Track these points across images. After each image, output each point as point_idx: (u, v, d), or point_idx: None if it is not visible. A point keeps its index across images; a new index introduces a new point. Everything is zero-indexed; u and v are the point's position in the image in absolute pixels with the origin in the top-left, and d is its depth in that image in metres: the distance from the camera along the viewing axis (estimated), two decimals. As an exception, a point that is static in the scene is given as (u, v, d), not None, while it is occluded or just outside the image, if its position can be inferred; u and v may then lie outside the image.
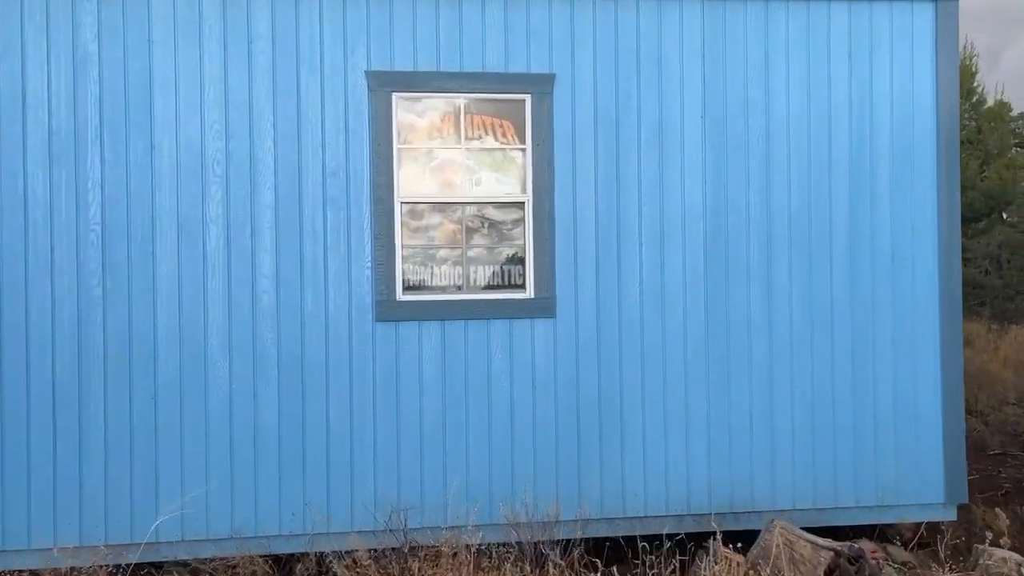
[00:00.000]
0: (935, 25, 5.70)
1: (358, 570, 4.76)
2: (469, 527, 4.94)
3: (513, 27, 5.41)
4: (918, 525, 5.67)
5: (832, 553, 4.74)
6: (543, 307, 5.41)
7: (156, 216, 5.11)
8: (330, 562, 4.95)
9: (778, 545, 4.64)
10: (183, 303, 5.12)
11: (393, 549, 4.97)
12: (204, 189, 5.15)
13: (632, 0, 5.49)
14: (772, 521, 4.98)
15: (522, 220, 5.46)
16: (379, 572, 4.75)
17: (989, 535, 5.31)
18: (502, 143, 5.47)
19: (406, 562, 4.74)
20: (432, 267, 5.45)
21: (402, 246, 5.35)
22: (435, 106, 5.43)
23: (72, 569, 4.75)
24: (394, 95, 5.32)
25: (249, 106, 5.19)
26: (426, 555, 4.78)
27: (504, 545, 4.93)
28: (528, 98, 5.42)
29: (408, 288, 5.38)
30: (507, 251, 5.50)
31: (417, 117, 5.42)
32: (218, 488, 5.12)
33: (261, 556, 5.04)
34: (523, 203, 5.45)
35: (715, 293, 5.56)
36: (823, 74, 5.65)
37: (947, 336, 5.73)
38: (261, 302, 5.19)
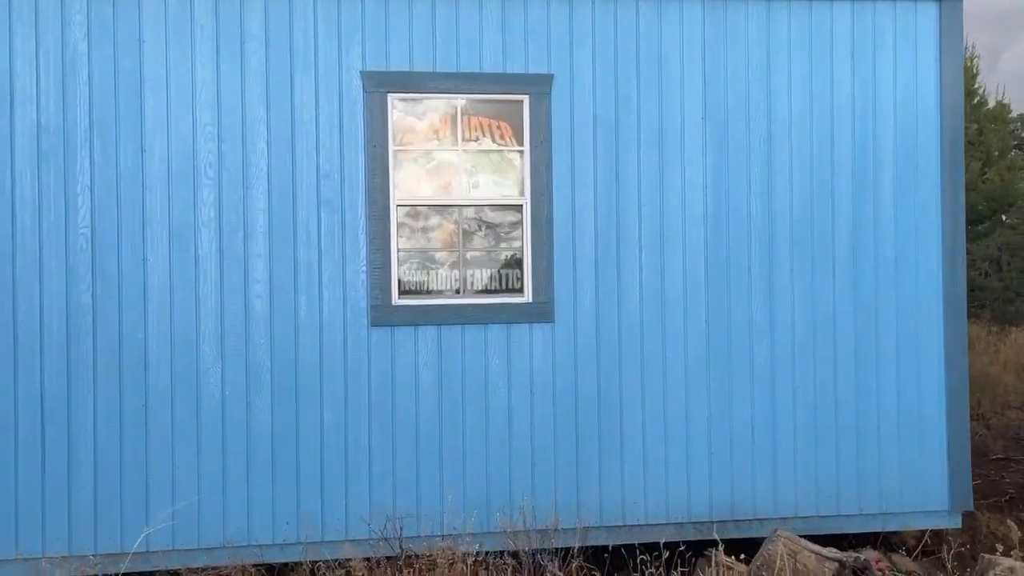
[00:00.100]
0: (939, 24, 5.62)
1: (353, 580, 4.67)
2: (466, 536, 4.85)
3: (511, 27, 5.32)
4: (922, 533, 5.59)
5: (837, 564, 4.64)
6: (541, 312, 5.32)
7: (147, 220, 5.01)
8: (323, 572, 4.86)
9: (782, 556, 4.55)
10: (174, 309, 5.03)
11: (388, 558, 4.88)
12: (196, 192, 5.06)
13: (632, -1, 5.41)
14: (775, 531, 4.89)
15: (520, 223, 5.37)
16: (374, 583, 4.66)
17: (1000, 548, 5.20)
18: (500, 145, 5.38)
19: (401, 572, 4.65)
20: (428, 271, 5.35)
21: (398, 250, 5.26)
22: (432, 107, 5.34)
23: (61, 580, 4.66)
24: (390, 96, 5.23)
25: (242, 107, 5.10)
26: (422, 565, 4.69)
27: (502, 554, 4.84)
28: (526, 99, 5.33)
29: (404, 292, 5.28)
30: (505, 255, 5.41)
31: (413, 118, 5.33)
32: (210, 496, 5.03)
33: (254, 565, 4.95)
34: (521, 206, 5.36)
35: (716, 297, 5.47)
36: (826, 74, 5.56)
37: (951, 340, 5.64)
38: (254, 307, 5.10)
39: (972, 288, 15.40)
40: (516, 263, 5.39)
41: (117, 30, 5.01)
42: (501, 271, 5.40)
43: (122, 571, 4.57)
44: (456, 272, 5.37)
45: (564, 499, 5.28)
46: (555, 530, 5.00)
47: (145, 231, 5.01)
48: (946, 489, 5.62)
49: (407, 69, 5.23)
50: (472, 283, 5.38)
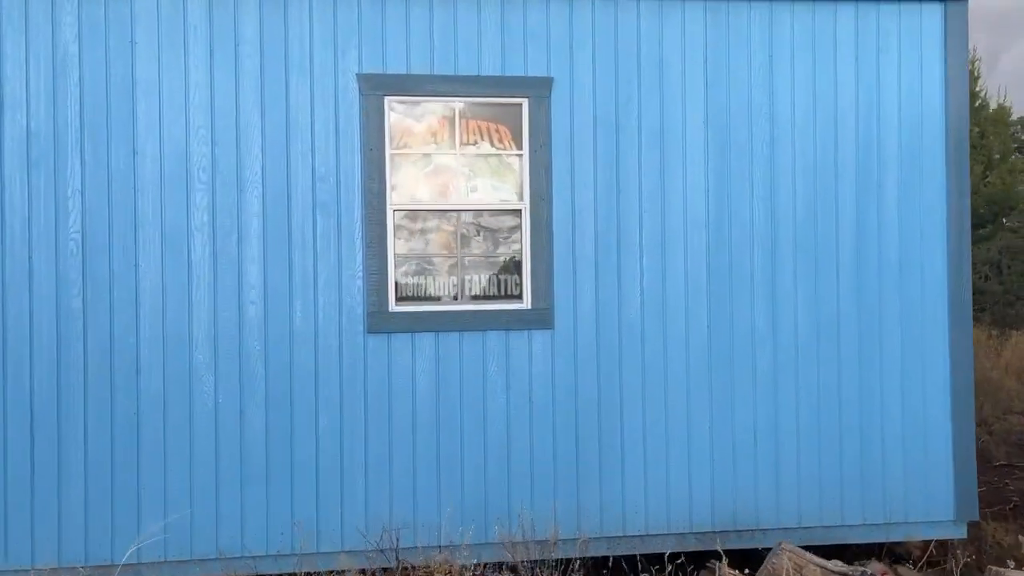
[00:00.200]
0: (944, 26, 5.54)
1: (348, 593, 4.58)
2: (464, 547, 4.76)
3: (510, 29, 5.24)
4: (927, 543, 5.51)
5: (842, 576, 4.56)
6: (540, 318, 5.23)
7: (139, 224, 4.92)
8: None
9: (787, 570, 4.46)
10: (167, 314, 4.94)
11: (384, 570, 4.79)
12: (189, 196, 4.97)
13: (633, 1, 5.32)
14: (780, 545, 4.80)
15: (519, 228, 5.28)
16: (370, 595, 4.57)
17: (1012, 564, 5.11)
18: (498, 148, 5.29)
19: (398, 584, 4.57)
20: (426, 276, 5.27)
21: (395, 255, 5.17)
22: (429, 110, 5.26)
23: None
24: (386, 98, 5.15)
25: (236, 110, 5.01)
26: (419, 577, 4.61)
27: (500, 567, 4.75)
28: (525, 102, 5.25)
29: (401, 298, 5.20)
30: (503, 260, 5.32)
31: (411, 121, 5.24)
32: (203, 507, 4.94)
33: (247, 577, 4.87)
34: (520, 210, 5.27)
35: (718, 302, 5.39)
36: (829, 76, 5.48)
37: (957, 346, 5.55)
38: (248, 313, 5.01)
39: (973, 291, 15.29)
40: (515, 268, 5.30)
41: (109, 32, 4.92)
42: (500, 277, 5.32)
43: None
44: (454, 278, 5.28)
45: (563, 509, 5.19)
46: (555, 541, 4.90)
47: (137, 235, 4.92)
48: (951, 499, 5.53)
49: (404, 72, 5.15)
50: (470, 289, 5.29)
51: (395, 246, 5.17)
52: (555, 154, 5.26)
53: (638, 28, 5.34)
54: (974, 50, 18.56)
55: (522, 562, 4.70)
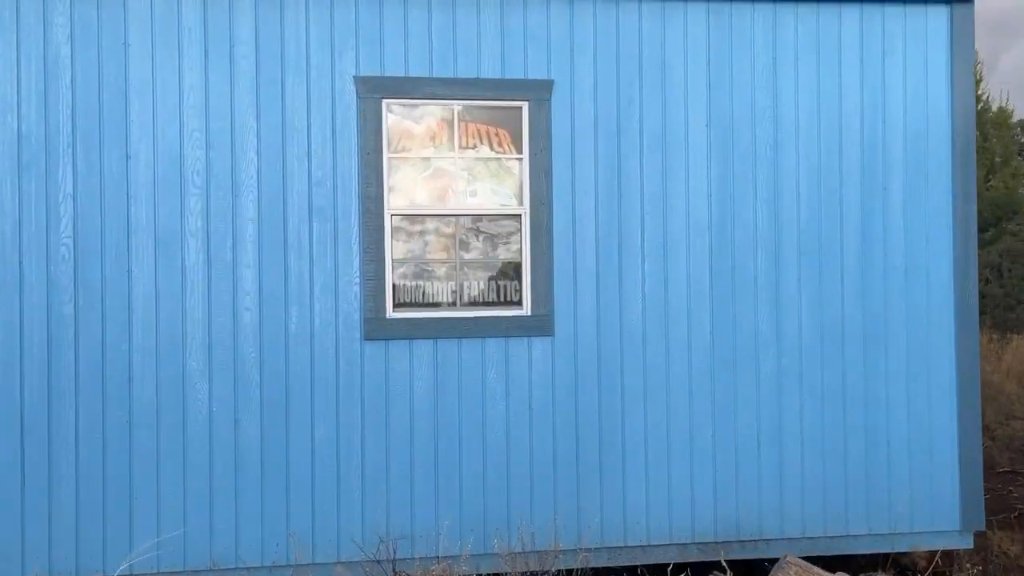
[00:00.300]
0: (950, 28, 5.47)
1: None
2: (463, 558, 4.67)
3: (510, 31, 5.15)
4: (933, 553, 5.42)
5: (847, 589, 4.47)
6: (540, 325, 5.15)
7: (132, 229, 4.83)
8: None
9: (792, 583, 4.38)
10: (160, 321, 4.85)
11: (382, 582, 4.70)
12: (183, 201, 4.88)
13: (634, 3, 5.24)
14: (785, 557, 4.72)
15: (519, 233, 5.20)
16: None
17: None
18: (498, 152, 5.21)
19: (395, 597, 4.48)
20: (424, 282, 5.18)
21: (392, 260, 5.09)
22: (428, 113, 5.17)
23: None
24: (384, 101, 5.06)
25: (231, 113, 4.93)
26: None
27: (499, 578, 4.67)
28: (525, 105, 5.17)
29: (398, 304, 5.11)
30: (503, 266, 5.23)
31: (409, 124, 5.16)
32: (196, 517, 4.85)
33: (242, 589, 4.78)
34: (520, 215, 5.19)
35: (721, 307, 5.30)
36: (833, 79, 5.40)
37: (963, 352, 5.47)
38: (243, 320, 4.92)
39: (973, 295, 15.17)
40: (515, 274, 5.22)
41: (102, 33, 4.84)
42: (499, 282, 5.23)
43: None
44: (452, 283, 5.20)
45: (564, 518, 5.10)
46: (555, 551, 4.82)
47: (130, 241, 4.83)
48: (957, 508, 5.45)
49: (402, 74, 5.06)
50: (469, 295, 5.21)
51: (393, 251, 5.09)
52: (555, 158, 5.18)
53: (640, 30, 5.26)
54: (976, 53, 18.47)
55: (522, 574, 4.61)
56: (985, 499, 6.60)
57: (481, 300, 5.21)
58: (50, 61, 4.79)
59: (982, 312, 16.13)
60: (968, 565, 5.17)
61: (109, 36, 4.84)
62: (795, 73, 5.38)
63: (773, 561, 5.25)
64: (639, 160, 5.25)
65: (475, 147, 5.19)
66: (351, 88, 5.03)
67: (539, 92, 5.16)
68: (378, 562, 4.76)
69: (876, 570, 5.34)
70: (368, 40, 5.05)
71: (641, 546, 5.19)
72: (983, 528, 5.55)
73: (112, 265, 4.81)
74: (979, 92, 17.53)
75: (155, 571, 4.78)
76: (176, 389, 4.87)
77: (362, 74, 5.03)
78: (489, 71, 5.14)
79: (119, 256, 4.82)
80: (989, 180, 16.72)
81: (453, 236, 5.19)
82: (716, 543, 5.22)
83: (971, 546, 5.52)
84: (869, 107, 5.43)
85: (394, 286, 5.10)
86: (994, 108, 17.87)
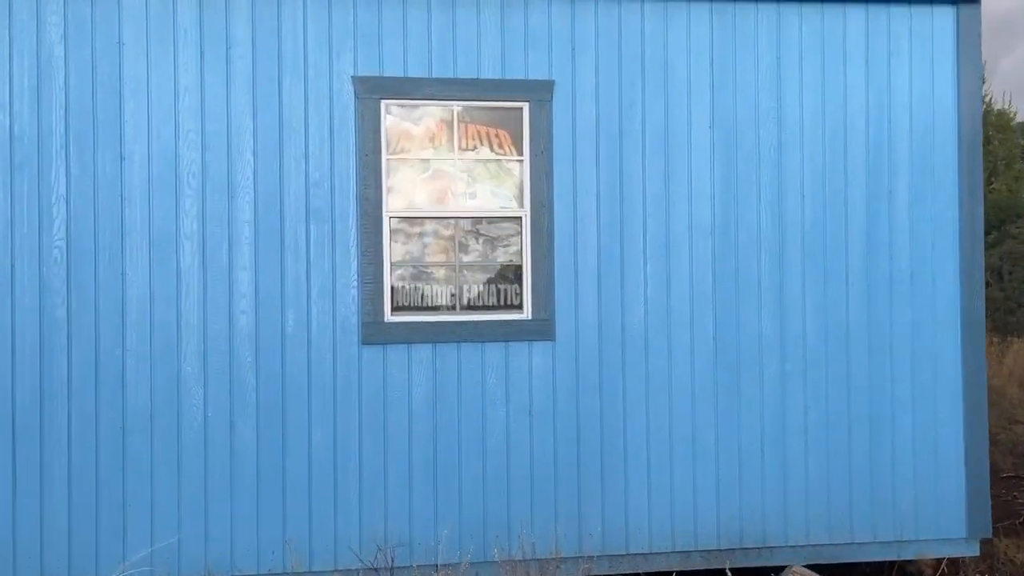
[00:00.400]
0: (956, 29, 5.40)
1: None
2: (463, 567, 4.59)
3: (510, 31, 5.08)
4: (939, 561, 5.34)
5: (853, 597, 4.40)
6: (541, 329, 5.07)
7: (125, 232, 4.76)
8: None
9: (798, 592, 4.30)
10: (154, 324, 4.77)
11: (379, 590, 4.62)
12: (178, 202, 4.80)
13: (637, 3, 5.17)
14: (791, 569, 4.64)
15: (519, 235, 5.13)
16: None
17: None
18: (498, 154, 5.14)
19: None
20: (422, 285, 5.10)
21: (391, 263, 5.01)
22: (427, 114, 5.10)
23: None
24: (383, 102, 4.99)
25: (227, 114, 4.85)
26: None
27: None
28: (526, 106, 5.09)
29: (397, 308, 5.03)
30: (503, 269, 5.16)
31: (408, 125, 5.08)
32: (191, 523, 4.77)
33: (237, 598, 4.70)
34: (520, 218, 5.11)
35: (724, 311, 5.23)
36: (838, 80, 5.33)
37: (969, 358, 5.40)
38: (239, 323, 4.84)
39: (975, 299, 15.07)
40: (515, 278, 5.14)
41: (96, 32, 4.76)
42: (499, 286, 5.16)
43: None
44: (451, 287, 5.12)
45: (564, 525, 5.03)
46: (557, 559, 4.74)
47: (124, 243, 4.76)
48: (964, 515, 5.38)
49: (401, 74, 4.99)
50: (469, 299, 5.13)
51: (391, 254, 5.01)
52: (556, 159, 5.10)
53: (642, 30, 5.19)
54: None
55: (522, 582, 4.54)
56: (991, 504, 6.54)
57: (480, 304, 5.13)
58: (43, 60, 4.72)
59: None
60: (975, 574, 5.08)
61: (103, 35, 4.76)
62: (799, 73, 5.31)
63: (777, 569, 5.18)
64: (641, 162, 5.17)
65: (475, 148, 5.12)
66: (349, 88, 4.95)
67: (540, 93, 5.09)
68: (376, 570, 4.68)
69: (882, 579, 5.27)
70: (366, 40, 4.97)
71: (643, 554, 5.12)
72: (990, 535, 5.47)
73: (106, 268, 4.73)
74: (982, 94, 17.44)
75: (149, 579, 4.70)
76: (171, 393, 4.79)
77: (360, 74, 4.96)
78: (489, 71, 5.07)
79: (113, 258, 4.74)
80: (991, 183, 16.64)
81: (452, 238, 5.11)
82: (720, 550, 5.14)
83: (977, 553, 5.44)
84: (874, 108, 5.36)
85: (392, 289, 5.02)
86: (996, 110, 17.79)
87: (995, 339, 14.47)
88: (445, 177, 5.11)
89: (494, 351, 5.03)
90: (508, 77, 5.07)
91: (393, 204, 5.02)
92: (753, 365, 5.24)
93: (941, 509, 5.36)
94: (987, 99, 17.66)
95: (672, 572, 4.80)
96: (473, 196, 5.12)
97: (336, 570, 4.81)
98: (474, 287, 5.14)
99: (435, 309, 5.09)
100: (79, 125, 4.73)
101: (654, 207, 5.19)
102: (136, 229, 4.77)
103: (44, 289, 4.69)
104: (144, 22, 4.79)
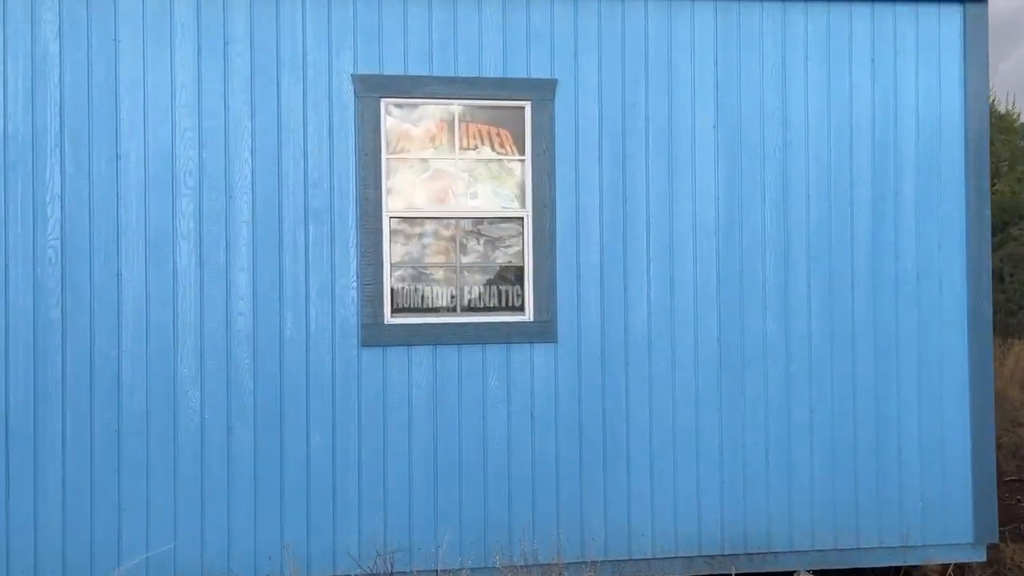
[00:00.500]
0: (963, 28, 5.34)
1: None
2: (463, 573, 4.52)
3: (512, 29, 5.02)
4: (945, 566, 5.28)
5: (860, 603, 4.33)
6: (543, 331, 5.00)
7: (121, 232, 4.69)
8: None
9: (805, 599, 4.24)
10: (151, 326, 4.70)
11: (379, 596, 4.56)
12: (174, 202, 4.74)
13: (640, 1, 5.11)
14: (797, 574, 4.57)
15: (520, 236, 5.06)
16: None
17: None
18: (500, 153, 5.07)
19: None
20: (422, 286, 5.04)
21: (391, 264, 4.94)
22: (428, 113, 5.03)
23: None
24: (383, 101, 4.92)
25: (225, 112, 4.78)
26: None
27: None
28: (528, 105, 5.03)
29: (397, 309, 4.96)
30: (503, 270, 5.09)
31: (408, 124, 5.01)
32: (187, 528, 4.70)
33: (234, 603, 4.63)
34: (522, 218, 5.05)
35: (728, 312, 5.16)
36: (844, 80, 5.27)
37: (976, 361, 5.34)
38: (236, 325, 4.77)
39: (977, 301, 15.03)
40: (516, 279, 5.07)
41: (91, 30, 4.69)
42: (500, 287, 5.09)
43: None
44: (452, 288, 5.05)
45: (567, 529, 4.96)
46: (558, 565, 4.67)
47: (120, 243, 4.69)
48: (970, 520, 5.31)
49: (401, 73, 4.92)
50: (469, 300, 5.06)
51: (391, 255, 4.94)
52: (559, 159, 5.04)
53: (646, 28, 5.12)
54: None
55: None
56: (994, 509, 6.48)
57: (481, 305, 5.06)
58: (38, 58, 4.65)
59: (984, 317, 16.00)
60: (973, 568, 5.02)
61: (99, 33, 4.70)
62: (805, 73, 5.25)
63: (783, 575, 5.12)
64: (644, 161, 5.11)
65: (476, 148, 5.05)
66: (349, 87, 4.89)
67: (542, 92, 5.02)
68: (375, 576, 4.62)
69: (888, 584, 5.20)
70: (366, 37, 4.91)
71: (646, 559, 5.05)
72: (996, 541, 5.41)
73: (101, 268, 4.66)
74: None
75: (144, 585, 4.63)
76: (167, 395, 4.72)
77: (360, 72, 4.89)
78: (491, 70, 5.00)
79: (108, 259, 4.67)
80: (994, 184, 16.59)
81: (453, 239, 5.05)
82: (723, 556, 5.08)
83: (984, 559, 5.38)
84: (880, 107, 5.30)
85: (392, 290, 4.96)
86: (999, 111, 17.73)
87: (996, 341, 14.42)
88: (445, 177, 5.04)
89: (495, 353, 4.97)
90: (510, 75, 5.01)
91: (393, 204, 4.95)
92: (758, 366, 5.18)
93: (947, 512, 5.29)
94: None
95: (676, 577, 4.74)
96: (474, 196, 5.06)
97: (334, 575, 4.74)
98: (475, 288, 5.07)
99: (435, 311, 5.03)
100: (74, 123, 4.66)
101: (657, 207, 5.12)
102: (132, 229, 4.70)
103: (38, 290, 4.62)
104: (140, 19, 4.73)
